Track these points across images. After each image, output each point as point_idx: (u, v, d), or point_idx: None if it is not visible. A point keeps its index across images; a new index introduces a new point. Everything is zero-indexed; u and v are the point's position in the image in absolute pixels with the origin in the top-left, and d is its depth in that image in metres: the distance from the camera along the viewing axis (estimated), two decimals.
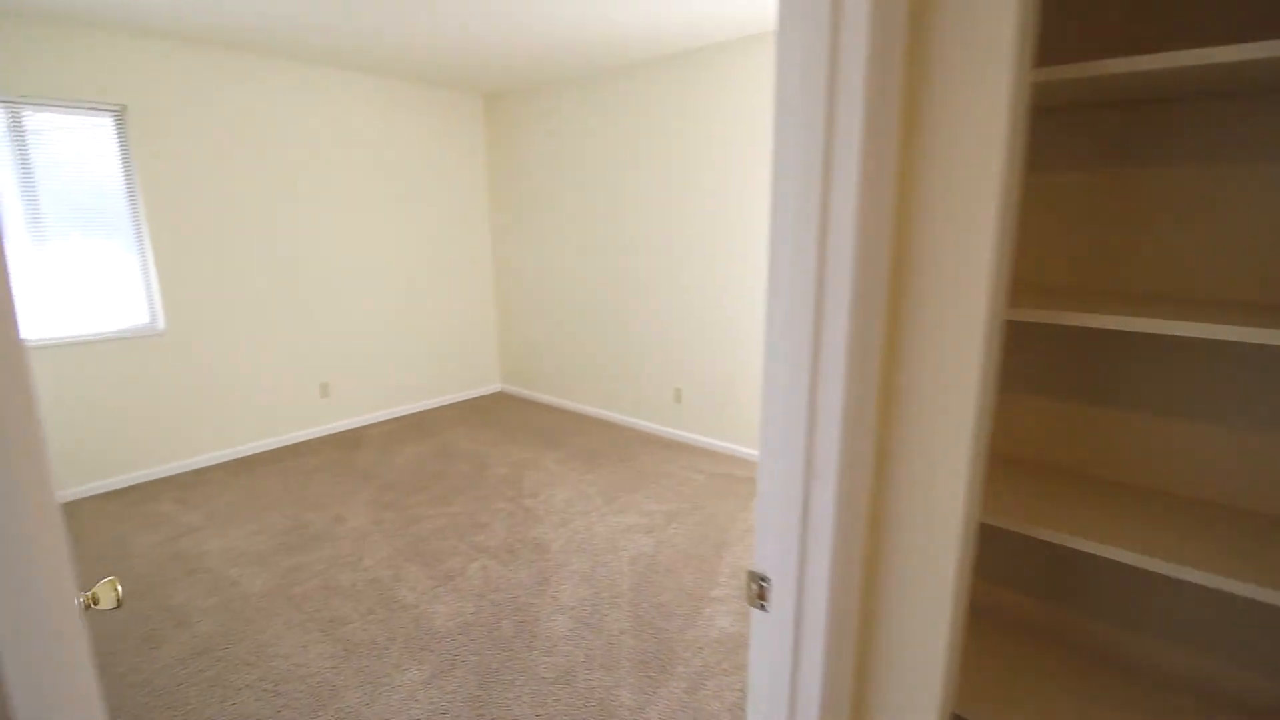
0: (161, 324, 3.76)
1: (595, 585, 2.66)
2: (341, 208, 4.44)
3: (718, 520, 3.22)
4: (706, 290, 4.04)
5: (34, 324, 3.36)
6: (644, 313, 4.42)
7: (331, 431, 4.60)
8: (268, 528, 3.20)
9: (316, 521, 3.26)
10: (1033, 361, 1.30)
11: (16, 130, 3.17)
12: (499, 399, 5.46)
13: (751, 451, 4.01)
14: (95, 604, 0.99)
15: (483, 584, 2.68)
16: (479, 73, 4.40)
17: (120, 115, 3.47)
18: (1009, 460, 1.35)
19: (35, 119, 3.22)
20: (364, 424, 4.77)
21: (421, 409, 5.14)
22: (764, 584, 0.98)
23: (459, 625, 2.41)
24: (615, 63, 4.13)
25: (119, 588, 1.00)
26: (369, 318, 4.71)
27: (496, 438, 4.47)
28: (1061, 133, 1.20)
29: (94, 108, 3.38)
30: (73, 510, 3.41)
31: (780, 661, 0.98)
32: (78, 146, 3.39)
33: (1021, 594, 1.39)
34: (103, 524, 3.26)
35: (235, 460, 4.09)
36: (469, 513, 3.33)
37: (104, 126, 3.45)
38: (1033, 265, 1.29)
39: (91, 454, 3.58)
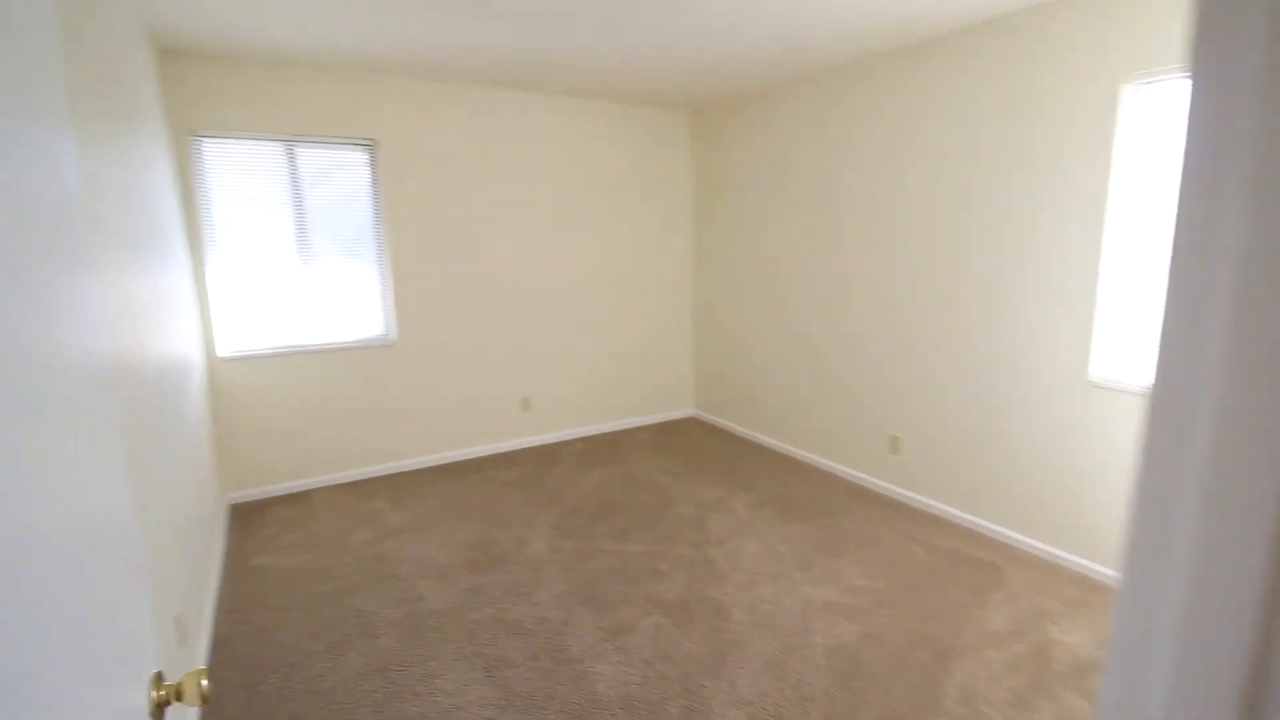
0: (394, 335, 4.11)
1: (781, 677, 2.22)
2: (547, 228, 4.54)
3: (944, 615, 2.56)
4: (939, 320, 3.35)
5: (298, 332, 3.85)
6: (859, 342, 3.84)
7: (530, 445, 4.71)
8: (458, 540, 3.27)
9: (501, 540, 3.25)
10: None
11: (291, 164, 3.66)
12: (691, 425, 5.20)
13: (991, 525, 3.22)
14: (179, 699, 0.86)
15: (653, 647, 2.38)
16: (688, 87, 4.21)
17: (372, 148, 3.87)
18: None
19: (305, 154, 3.70)
20: (560, 440, 4.83)
21: (614, 429, 5.08)
22: None
23: (622, 696, 2.14)
24: (841, 59, 3.65)
25: (205, 682, 0.86)
26: (569, 335, 4.76)
27: (685, 469, 4.20)
28: None
29: (351, 142, 3.80)
30: (312, 498, 3.84)
31: None
32: (338, 177, 3.83)
33: None
34: (332, 516, 3.59)
35: (443, 465, 4.34)
36: (648, 554, 3.07)
37: (359, 160, 3.87)
38: None
39: (331, 449, 4.01)
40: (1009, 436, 3.10)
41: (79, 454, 0.69)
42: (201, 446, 3.08)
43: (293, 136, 3.62)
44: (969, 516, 3.33)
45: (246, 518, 3.59)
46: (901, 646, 2.37)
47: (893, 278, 3.58)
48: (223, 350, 3.64)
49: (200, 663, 2.25)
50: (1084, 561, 2.88)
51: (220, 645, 2.44)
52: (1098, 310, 2.71)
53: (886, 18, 2.94)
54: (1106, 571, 2.79)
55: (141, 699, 0.79)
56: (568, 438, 4.87)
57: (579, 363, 4.84)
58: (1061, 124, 2.75)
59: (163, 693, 0.82)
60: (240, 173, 3.55)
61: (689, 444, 4.74)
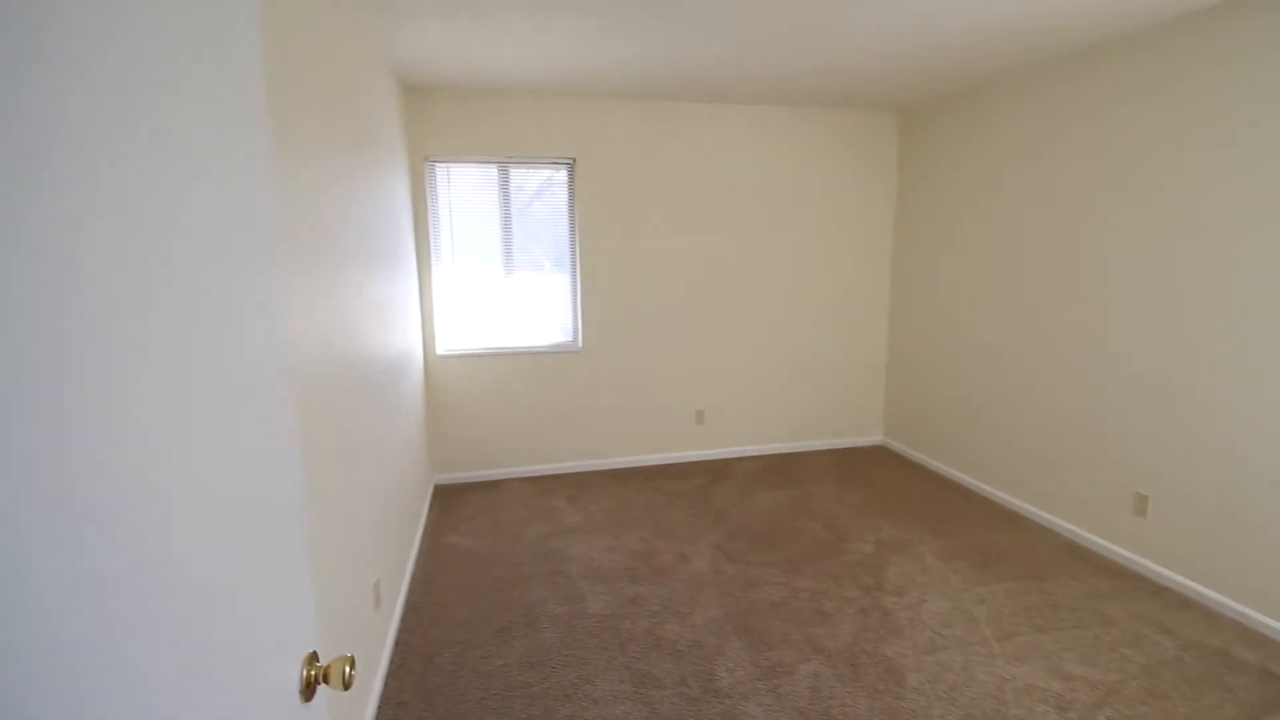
0: (580, 343, 4.34)
1: None
2: (733, 238, 4.47)
3: None
4: (1216, 350, 2.67)
5: (502, 334, 4.23)
6: (1099, 374, 3.22)
7: (701, 458, 4.67)
8: (622, 546, 3.33)
9: (664, 553, 3.25)
10: None
11: (503, 183, 4.03)
12: (878, 454, 4.78)
13: (1275, 623, 2.48)
14: (325, 681, 0.93)
15: (809, 699, 2.19)
16: (898, 87, 3.87)
17: (571, 167, 4.12)
18: None
19: (515, 173, 4.05)
20: (732, 455, 4.72)
21: (791, 450, 4.84)
22: None
23: None
24: (1096, 37, 3.09)
25: (349, 670, 0.92)
26: (749, 349, 4.64)
27: (865, 503, 3.86)
28: None
29: (554, 162, 4.08)
30: (502, 488, 4.18)
31: None
32: (543, 194, 4.14)
33: None
34: (516, 506, 3.88)
35: (616, 470, 4.47)
36: (814, 592, 2.85)
37: (560, 178, 4.14)
38: None
39: (521, 444, 4.34)
40: None
41: (249, 435, 0.78)
42: (416, 431, 3.51)
43: (506, 158, 3.99)
44: (1241, 608, 2.60)
45: (447, 498, 4.01)
46: None
47: (1147, 296, 2.94)
48: (441, 348, 4.12)
49: (392, 627, 2.53)
50: None
51: (410, 613, 2.74)
52: None
53: None
54: None
55: (294, 675, 0.87)
56: (740, 455, 4.75)
57: (758, 378, 4.70)
58: None
59: (313, 672, 0.90)
60: (462, 191, 4.00)
61: (873, 474, 4.35)
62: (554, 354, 4.30)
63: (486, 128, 3.92)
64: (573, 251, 4.24)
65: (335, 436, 1.84)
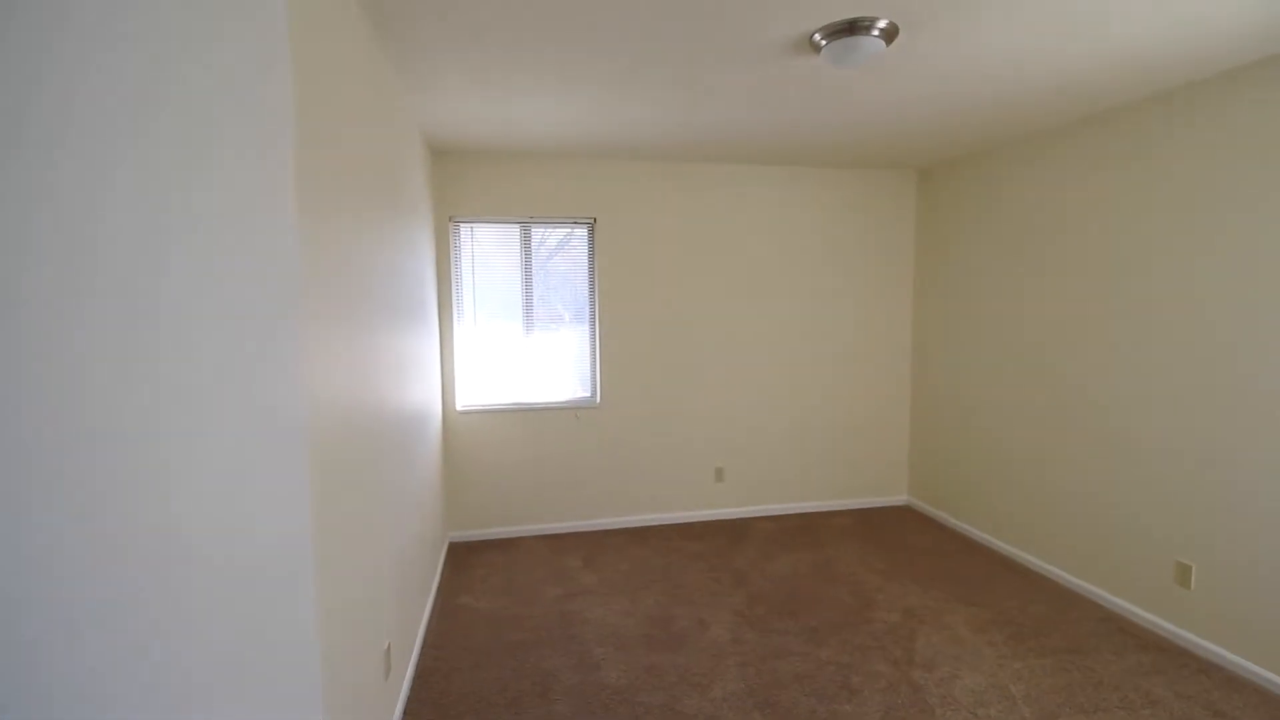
0: (598, 399, 4.34)
1: None
2: (751, 295, 4.50)
3: None
4: (1264, 412, 2.59)
5: (520, 390, 4.25)
6: (1136, 435, 3.13)
7: (721, 517, 4.58)
8: (639, 610, 3.23)
9: (681, 619, 3.14)
10: None
11: (525, 243, 4.12)
12: (903, 515, 4.64)
13: None
14: None
15: None
16: (914, 147, 3.94)
17: (592, 226, 4.21)
18: None
19: (537, 233, 4.15)
20: (752, 515, 4.62)
21: (813, 509, 4.73)
22: None
23: None
24: (1129, 99, 3.14)
25: None
26: (769, 406, 4.60)
27: (892, 567, 3.73)
28: None
29: (575, 221, 4.18)
30: (518, 546, 4.11)
31: None
32: (563, 254, 4.23)
33: None
34: (531, 566, 3.81)
35: (634, 529, 4.39)
36: (839, 665, 2.73)
37: (580, 237, 4.23)
38: None
39: (537, 501, 4.29)
40: None
41: (262, 508, 0.77)
42: (432, 488, 3.49)
43: (528, 218, 4.10)
44: None
45: (462, 557, 3.96)
46: None
47: (1181, 355, 2.88)
48: (460, 404, 4.14)
49: (401, 697, 2.46)
50: None
51: (419, 679, 2.66)
52: None
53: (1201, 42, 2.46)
54: None
55: None
56: (760, 514, 4.64)
57: (778, 435, 4.64)
58: None
59: None
60: (485, 249, 4.10)
61: (898, 537, 4.22)
62: (572, 409, 4.30)
63: (510, 189, 4.05)
64: (592, 306, 4.29)
65: (351, 496, 1.83)
